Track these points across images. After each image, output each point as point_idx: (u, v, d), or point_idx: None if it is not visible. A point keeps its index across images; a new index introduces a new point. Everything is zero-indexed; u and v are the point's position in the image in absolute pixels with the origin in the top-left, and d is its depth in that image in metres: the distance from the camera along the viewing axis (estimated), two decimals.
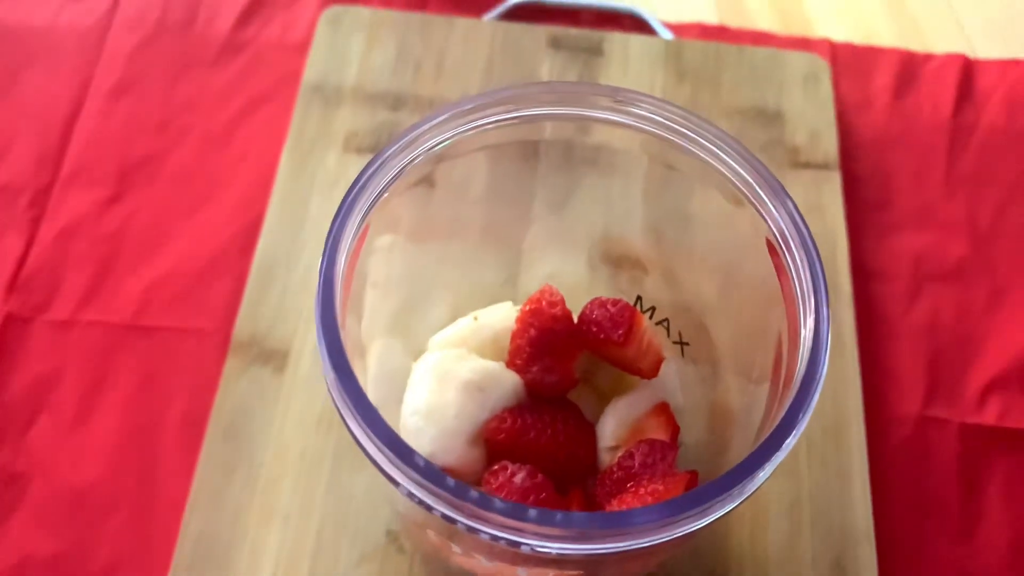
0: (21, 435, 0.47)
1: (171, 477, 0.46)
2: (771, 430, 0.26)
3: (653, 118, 0.33)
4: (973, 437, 0.50)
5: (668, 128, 0.33)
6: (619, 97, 0.33)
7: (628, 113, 0.34)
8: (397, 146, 0.33)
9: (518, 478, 0.32)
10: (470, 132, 0.36)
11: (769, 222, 0.32)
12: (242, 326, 0.48)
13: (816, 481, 0.46)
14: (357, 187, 0.31)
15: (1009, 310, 0.54)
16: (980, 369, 0.52)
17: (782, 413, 0.27)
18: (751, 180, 0.32)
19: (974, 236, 0.56)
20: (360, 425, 0.26)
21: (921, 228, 0.56)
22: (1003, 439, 0.50)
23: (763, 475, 0.26)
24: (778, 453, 0.26)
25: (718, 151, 0.33)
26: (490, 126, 0.36)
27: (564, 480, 0.35)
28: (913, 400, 0.51)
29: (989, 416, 0.50)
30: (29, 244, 0.52)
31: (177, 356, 0.49)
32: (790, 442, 0.26)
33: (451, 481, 0.25)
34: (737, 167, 0.32)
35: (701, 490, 0.25)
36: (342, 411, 0.27)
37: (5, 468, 0.46)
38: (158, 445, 0.47)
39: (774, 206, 0.32)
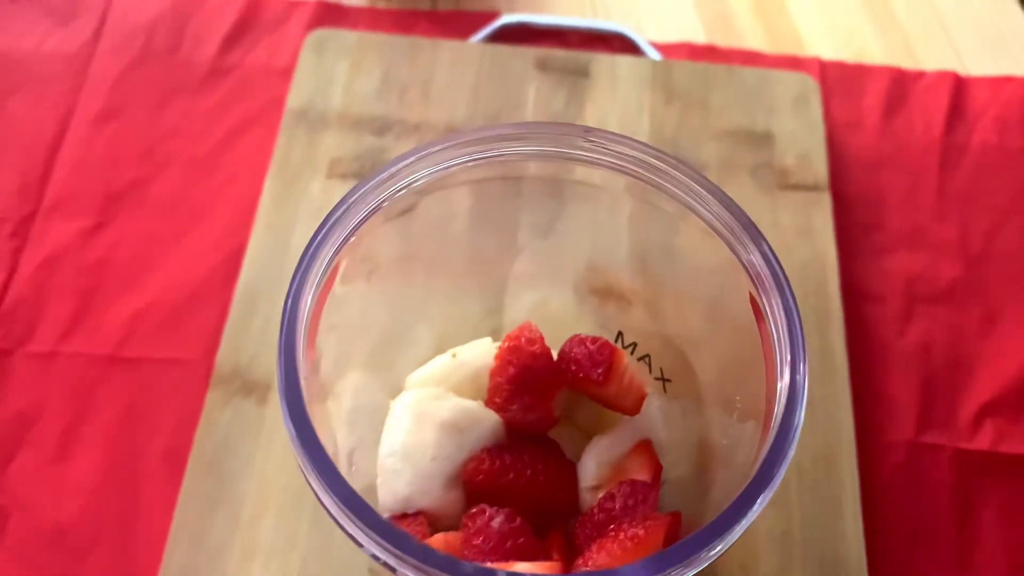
0: (1, 470, 0.46)
1: (153, 512, 0.45)
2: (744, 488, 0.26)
3: (631, 156, 0.33)
4: (967, 463, 0.49)
5: (645, 168, 0.33)
6: (591, 137, 0.32)
7: (606, 152, 0.33)
8: (369, 185, 0.33)
9: (496, 522, 0.31)
10: (450, 169, 0.36)
11: (747, 268, 0.31)
12: (224, 357, 0.48)
13: (807, 509, 0.45)
14: (325, 228, 0.31)
15: (1003, 332, 0.53)
16: (974, 394, 0.51)
17: (757, 467, 0.26)
18: (730, 224, 0.31)
19: (966, 257, 0.55)
20: (324, 488, 0.26)
21: (913, 249, 0.56)
22: (998, 465, 0.49)
23: (739, 529, 0.26)
24: (751, 510, 0.25)
25: (694, 195, 0.32)
26: (471, 164, 0.36)
27: (545, 520, 0.35)
28: (906, 425, 0.50)
29: (983, 441, 0.50)
30: (10, 275, 0.51)
31: (160, 388, 0.49)
32: (764, 497, 0.26)
33: (415, 543, 0.24)
34: (714, 211, 0.32)
35: (667, 553, 0.25)
36: (306, 474, 0.27)
37: None
38: (140, 479, 0.46)
39: (751, 252, 0.31)
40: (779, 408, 0.27)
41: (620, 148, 0.33)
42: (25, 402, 0.48)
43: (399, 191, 0.34)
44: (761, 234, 0.30)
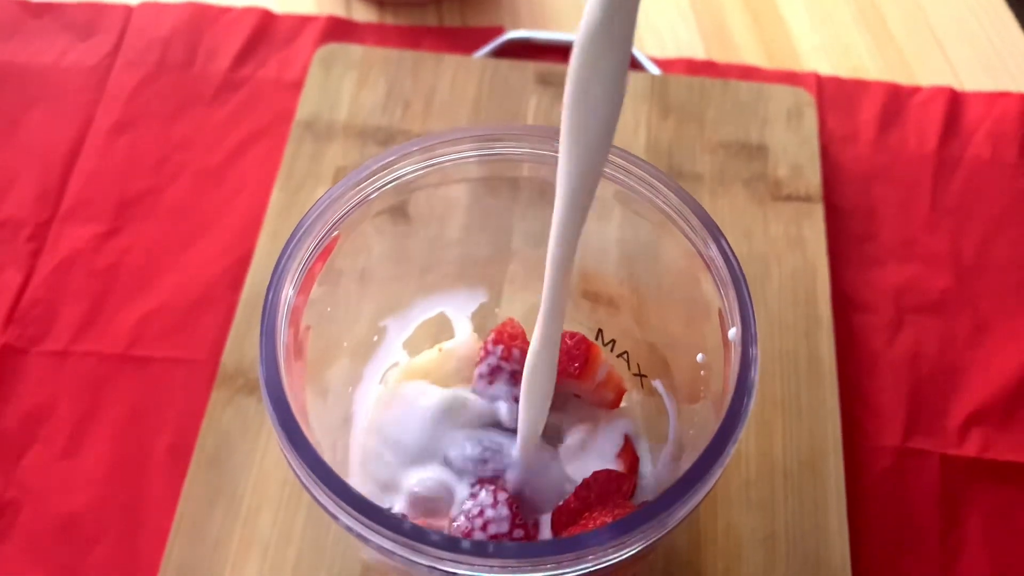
0: (15, 463, 0.48)
1: (157, 506, 0.47)
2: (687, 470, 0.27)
3: (618, 165, 0.34)
4: (954, 469, 0.50)
5: (615, 168, 0.34)
6: None
7: None
8: (356, 179, 0.34)
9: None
10: (442, 165, 0.37)
11: (706, 262, 0.32)
12: (229, 358, 0.49)
13: (792, 513, 0.46)
14: (309, 220, 0.33)
15: (992, 342, 0.54)
16: (962, 401, 0.52)
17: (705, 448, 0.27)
18: (691, 220, 0.33)
19: (958, 268, 0.56)
20: (301, 466, 0.27)
21: (905, 260, 0.56)
22: (984, 471, 0.50)
23: (673, 516, 0.27)
24: (685, 503, 0.27)
25: (657, 192, 0.33)
26: (461, 161, 0.37)
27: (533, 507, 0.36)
28: (894, 431, 0.51)
29: (970, 448, 0.50)
30: (28, 277, 0.54)
31: (168, 386, 0.51)
32: (701, 489, 0.27)
33: (385, 513, 0.26)
34: (677, 208, 0.33)
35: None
36: (284, 451, 0.28)
37: None
38: (146, 474, 0.48)
39: (710, 247, 0.32)
40: (730, 389, 0.29)
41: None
42: (38, 399, 0.50)
43: (388, 184, 0.35)
44: (719, 230, 0.32)
